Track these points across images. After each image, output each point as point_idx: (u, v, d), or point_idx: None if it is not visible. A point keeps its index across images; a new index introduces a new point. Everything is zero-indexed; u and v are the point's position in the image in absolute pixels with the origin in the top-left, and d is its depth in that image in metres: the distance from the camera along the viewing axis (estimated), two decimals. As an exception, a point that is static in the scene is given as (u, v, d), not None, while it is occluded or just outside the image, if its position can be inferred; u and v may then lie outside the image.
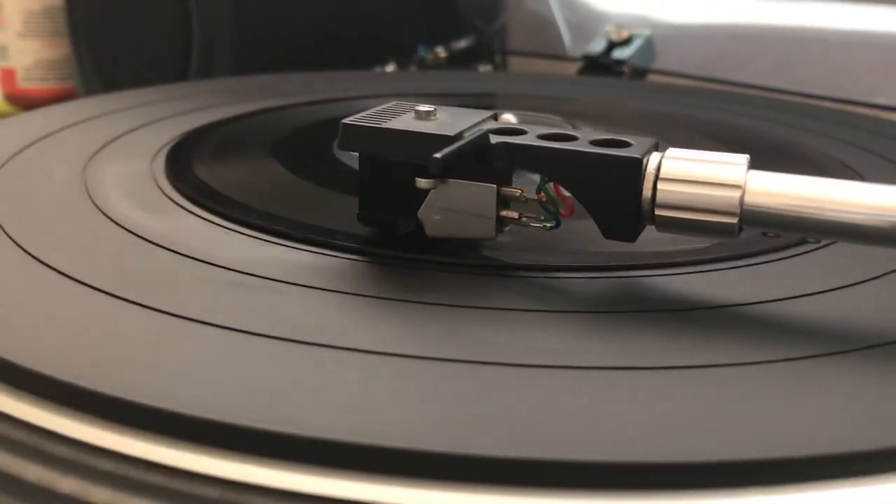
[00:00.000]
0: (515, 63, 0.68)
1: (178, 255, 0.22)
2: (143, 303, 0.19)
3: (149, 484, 0.14)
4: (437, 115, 0.22)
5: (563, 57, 0.66)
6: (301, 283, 0.20)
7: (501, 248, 0.23)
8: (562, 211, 0.21)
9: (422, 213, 0.22)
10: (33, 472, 0.15)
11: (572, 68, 0.60)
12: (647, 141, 0.21)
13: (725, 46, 0.59)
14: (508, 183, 0.22)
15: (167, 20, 0.54)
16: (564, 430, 0.15)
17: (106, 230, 0.24)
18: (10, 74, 0.62)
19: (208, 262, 0.21)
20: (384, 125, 0.22)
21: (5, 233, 0.23)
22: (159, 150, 0.32)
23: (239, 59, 0.52)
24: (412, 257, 0.22)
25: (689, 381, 0.16)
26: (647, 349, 0.18)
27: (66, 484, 0.14)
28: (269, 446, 0.14)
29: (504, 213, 0.21)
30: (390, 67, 0.56)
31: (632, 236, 0.21)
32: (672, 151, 0.20)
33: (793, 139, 0.38)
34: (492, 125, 0.22)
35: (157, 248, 0.22)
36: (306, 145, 0.35)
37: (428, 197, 0.21)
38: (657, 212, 0.20)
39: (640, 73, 0.58)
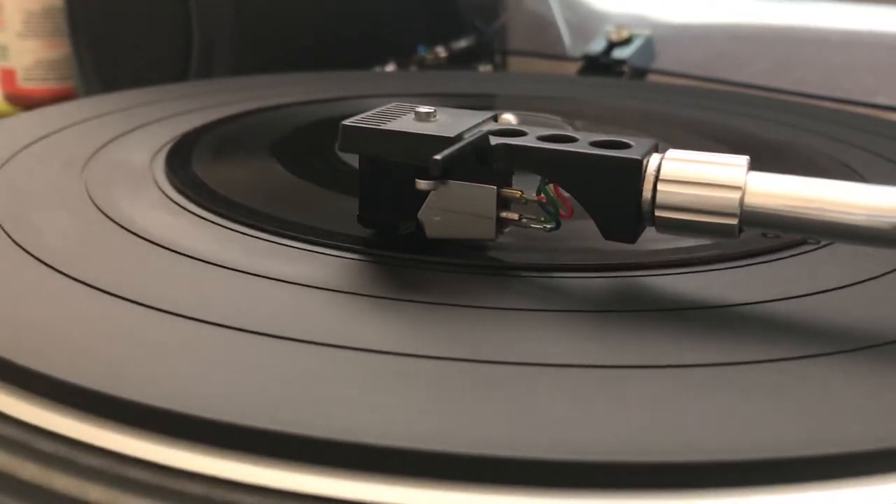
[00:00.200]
0: (515, 63, 0.68)
1: (178, 255, 0.22)
2: (143, 302, 0.19)
3: (146, 483, 0.14)
4: (437, 117, 0.22)
5: (563, 57, 0.66)
6: (301, 283, 0.20)
7: (501, 249, 0.23)
8: (562, 212, 0.21)
9: (422, 214, 0.22)
10: (29, 470, 0.15)
11: (572, 68, 0.60)
12: (647, 142, 0.21)
13: (725, 46, 0.59)
14: (508, 184, 0.22)
15: (167, 20, 0.54)
16: (565, 430, 0.15)
17: (106, 230, 0.24)
18: (10, 74, 0.62)
19: (208, 262, 0.21)
20: (384, 127, 0.22)
21: (5, 233, 0.23)
22: (159, 150, 0.32)
23: (239, 59, 0.52)
24: (412, 257, 0.22)
25: (688, 381, 0.16)
26: (647, 349, 0.18)
27: (61, 482, 0.14)
28: (269, 446, 0.14)
29: (504, 214, 0.21)
30: (390, 67, 0.56)
31: (632, 237, 0.21)
32: (672, 152, 0.20)
33: (793, 139, 0.38)
34: (492, 126, 0.22)
35: (156, 247, 0.22)
36: (306, 145, 0.35)
37: (428, 198, 0.21)
38: (657, 213, 0.20)
39: (639, 73, 0.58)
